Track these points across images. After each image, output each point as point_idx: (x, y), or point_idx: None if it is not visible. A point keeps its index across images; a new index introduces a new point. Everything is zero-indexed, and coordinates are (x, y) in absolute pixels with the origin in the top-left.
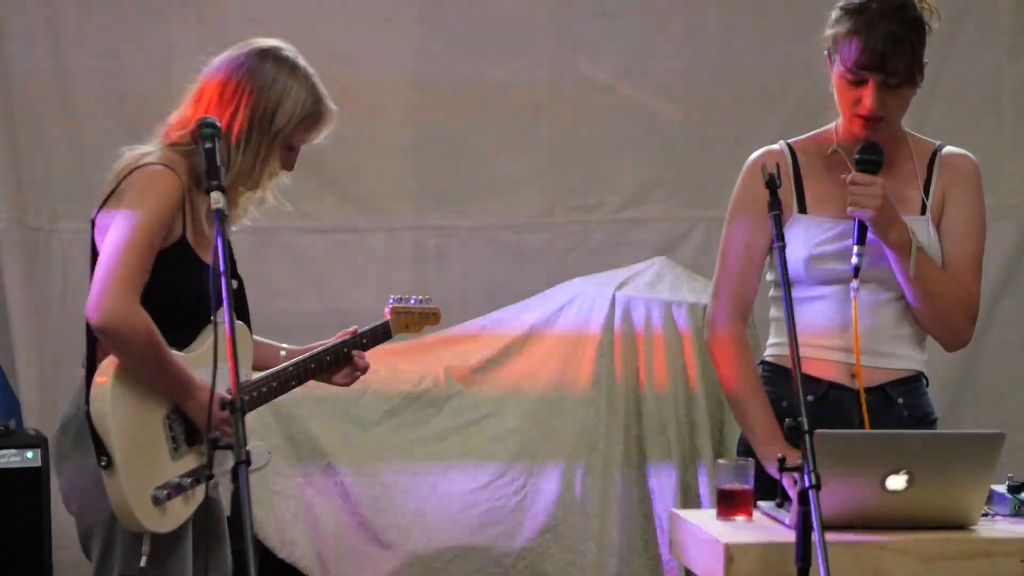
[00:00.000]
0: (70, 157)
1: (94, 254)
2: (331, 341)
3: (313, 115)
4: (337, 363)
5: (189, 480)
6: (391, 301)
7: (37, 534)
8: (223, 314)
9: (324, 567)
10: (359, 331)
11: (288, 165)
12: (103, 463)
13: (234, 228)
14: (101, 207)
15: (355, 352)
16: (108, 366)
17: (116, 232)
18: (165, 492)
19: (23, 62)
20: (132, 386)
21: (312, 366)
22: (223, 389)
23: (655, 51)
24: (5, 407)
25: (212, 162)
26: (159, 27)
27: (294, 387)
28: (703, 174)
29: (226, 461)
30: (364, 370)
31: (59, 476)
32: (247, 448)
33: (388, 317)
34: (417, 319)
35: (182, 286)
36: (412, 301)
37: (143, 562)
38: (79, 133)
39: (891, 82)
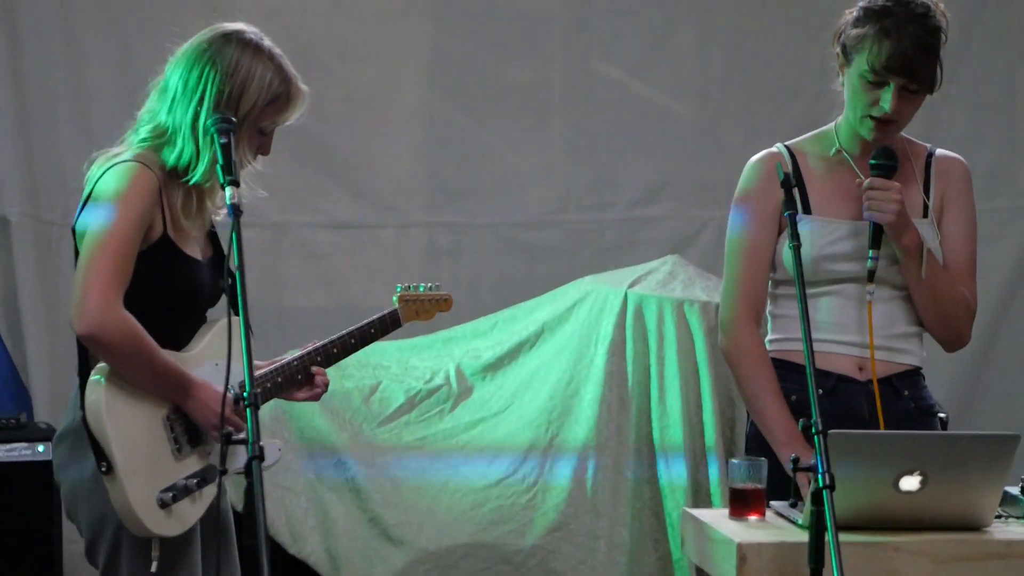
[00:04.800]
0: (83, 150)
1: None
2: (334, 336)
3: (282, 96)
4: (344, 354)
5: (195, 481)
6: (399, 289)
7: (47, 527)
8: (238, 309)
9: (334, 563)
10: (369, 320)
11: (263, 150)
12: (103, 468)
13: (217, 219)
14: (79, 215)
15: (315, 369)
16: (101, 370)
17: (92, 235)
18: (171, 495)
19: (36, 55)
20: (127, 388)
21: (319, 359)
22: (227, 385)
23: (668, 50)
24: (17, 401)
25: (228, 157)
26: (173, 20)
27: (301, 381)
28: (715, 173)
29: (235, 458)
30: (324, 387)
31: (61, 485)
32: (261, 444)
33: (397, 306)
34: (427, 305)
35: (171, 284)
36: (421, 288)
37: (154, 567)
38: (92, 126)
39: (912, 87)
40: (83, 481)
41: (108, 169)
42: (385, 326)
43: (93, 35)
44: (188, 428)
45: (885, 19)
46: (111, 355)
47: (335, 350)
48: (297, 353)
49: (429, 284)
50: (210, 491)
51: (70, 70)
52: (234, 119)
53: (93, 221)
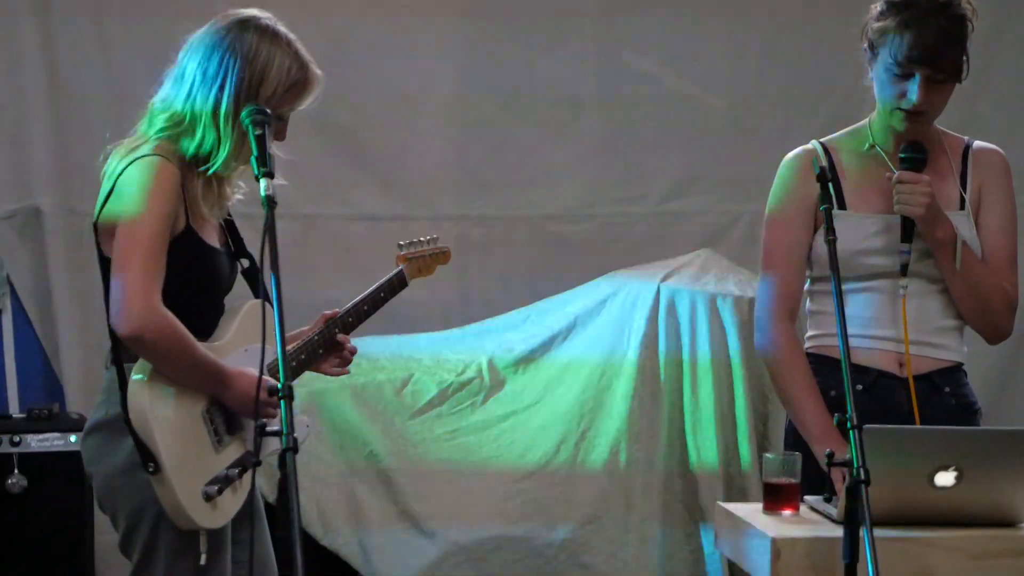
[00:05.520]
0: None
1: (102, 260)
2: (348, 306)
3: (300, 82)
4: (359, 321)
5: (237, 470)
6: (400, 249)
7: (80, 517)
8: (269, 297)
9: (366, 555)
10: (377, 285)
11: (279, 135)
12: (151, 469)
13: (228, 203)
14: (101, 210)
15: (340, 337)
16: (142, 368)
17: (125, 235)
18: (216, 487)
19: (69, 49)
20: (168, 386)
21: (336, 330)
22: (262, 370)
23: (700, 43)
24: (49, 391)
25: (263, 149)
26: (205, 12)
27: (322, 355)
28: (747, 167)
29: (268, 444)
30: (353, 353)
31: (93, 477)
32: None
33: (400, 265)
34: (428, 261)
35: (196, 275)
36: (419, 244)
37: (203, 560)
38: (124, 117)
39: (937, 77)
40: (117, 473)
41: (129, 164)
42: (393, 288)
43: (126, 26)
44: (226, 418)
45: (906, 11)
46: (156, 354)
47: (350, 319)
48: (317, 328)
49: (426, 237)
50: (248, 479)
51: (103, 61)
52: (269, 111)
53: (123, 220)
